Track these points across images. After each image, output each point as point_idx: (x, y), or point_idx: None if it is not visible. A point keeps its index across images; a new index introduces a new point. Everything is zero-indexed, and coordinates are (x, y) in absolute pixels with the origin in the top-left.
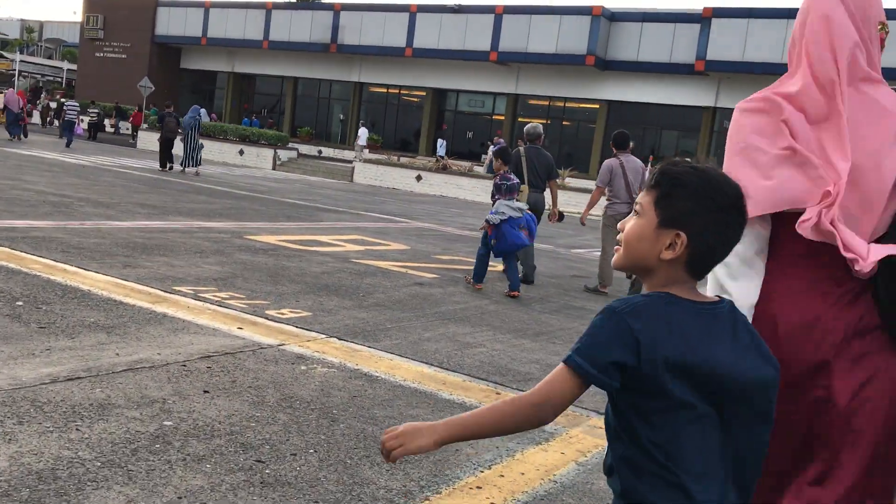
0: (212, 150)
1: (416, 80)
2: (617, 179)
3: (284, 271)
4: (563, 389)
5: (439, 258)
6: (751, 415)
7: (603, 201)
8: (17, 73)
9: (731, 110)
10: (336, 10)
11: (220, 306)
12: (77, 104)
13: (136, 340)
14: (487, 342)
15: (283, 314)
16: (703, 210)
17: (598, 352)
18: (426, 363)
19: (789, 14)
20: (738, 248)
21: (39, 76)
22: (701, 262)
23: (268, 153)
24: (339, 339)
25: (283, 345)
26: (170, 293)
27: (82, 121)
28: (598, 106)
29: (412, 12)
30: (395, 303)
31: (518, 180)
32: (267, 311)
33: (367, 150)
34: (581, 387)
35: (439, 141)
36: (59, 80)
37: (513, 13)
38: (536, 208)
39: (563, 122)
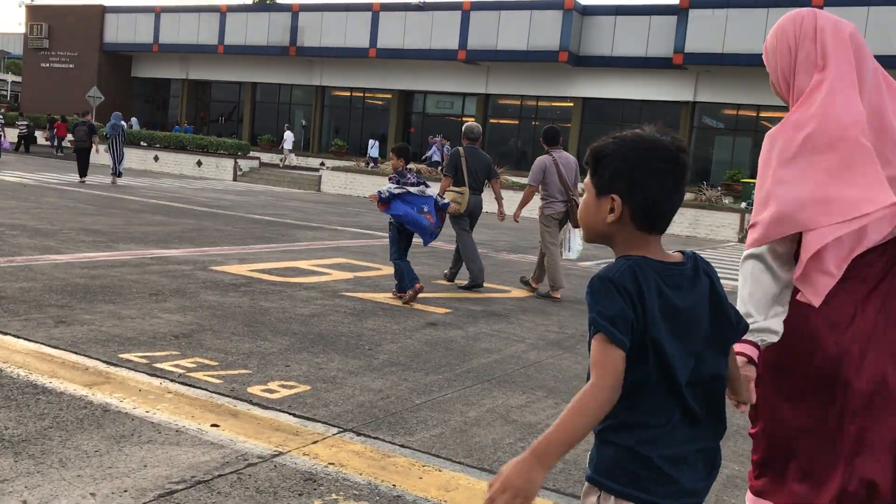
0: (168, 161)
1: (381, 81)
2: (550, 177)
3: (264, 316)
4: (616, 364)
5: (442, 283)
6: None
7: (537, 201)
8: None
9: (711, 104)
10: (294, 10)
11: (185, 384)
12: (0, 116)
13: (58, 467)
14: (552, 419)
15: (272, 392)
16: (627, 170)
17: (619, 319)
18: (490, 472)
19: (768, 3)
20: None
21: None
22: (645, 215)
23: (228, 163)
24: (357, 433)
25: (280, 454)
26: (115, 365)
27: (24, 131)
28: (572, 104)
29: (375, 11)
30: (413, 357)
31: (417, 178)
32: (250, 389)
33: (293, 155)
34: (623, 357)
35: (370, 141)
36: (4, 93)
37: (481, 9)
38: (475, 210)
39: (536, 122)
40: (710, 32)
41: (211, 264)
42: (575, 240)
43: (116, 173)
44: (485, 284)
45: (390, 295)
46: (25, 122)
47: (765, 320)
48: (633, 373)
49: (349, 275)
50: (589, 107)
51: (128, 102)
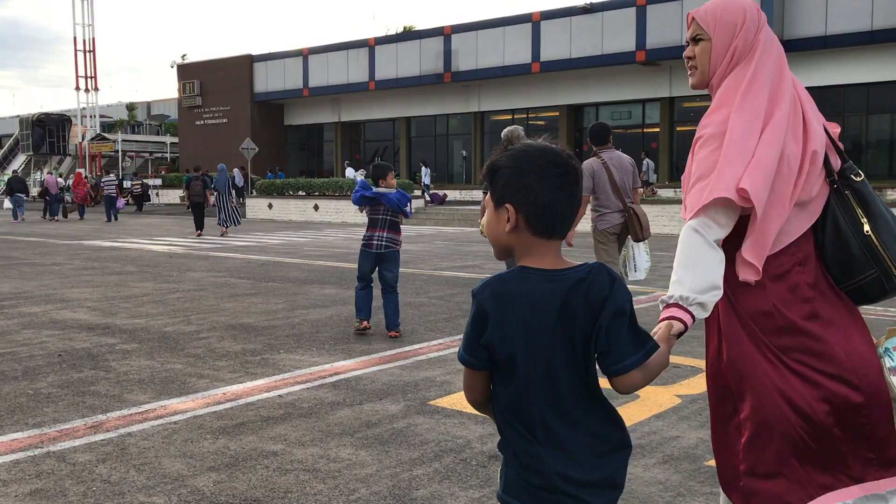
0: (328, 210)
1: (546, 98)
2: (601, 183)
3: None
4: (466, 380)
5: None
6: None
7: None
8: (120, 152)
9: None
10: (446, 33)
11: None
12: (114, 178)
13: None
14: None
15: None
16: (517, 178)
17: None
18: None
19: None
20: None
21: (147, 154)
22: (539, 220)
23: None
24: None
25: None
26: None
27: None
28: None
29: (535, 21)
30: None
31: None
32: None
33: None
34: (474, 373)
35: (423, 169)
36: (165, 155)
37: (659, 1)
38: None
39: None
40: None
41: (429, 392)
42: (641, 256)
43: (226, 224)
44: None
45: None
46: (139, 182)
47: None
48: None
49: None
50: None
51: (282, 151)
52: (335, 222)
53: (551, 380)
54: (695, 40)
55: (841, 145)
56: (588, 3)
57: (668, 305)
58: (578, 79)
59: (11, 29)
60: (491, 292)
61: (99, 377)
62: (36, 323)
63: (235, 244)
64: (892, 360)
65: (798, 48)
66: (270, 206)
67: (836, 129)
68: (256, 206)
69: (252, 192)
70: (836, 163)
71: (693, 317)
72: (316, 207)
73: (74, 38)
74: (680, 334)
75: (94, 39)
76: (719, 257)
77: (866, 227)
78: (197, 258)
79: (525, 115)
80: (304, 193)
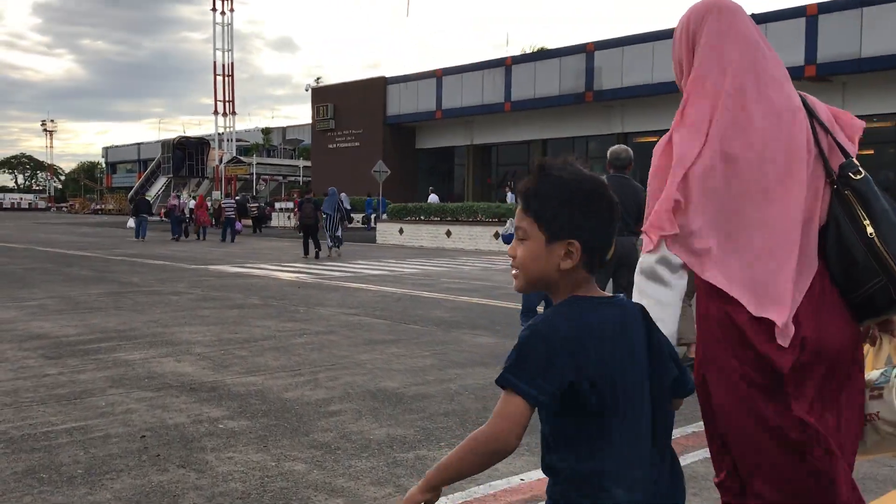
0: (461, 236)
1: None
2: None
3: None
4: (515, 416)
5: None
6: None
7: None
8: (254, 175)
9: None
10: (589, 50)
11: None
12: (234, 202)
13: None
14: None
15: None
16: (574, 213)
17: (541, 374)
18: None
19: None
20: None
21: (281, 177)
22: (596, 257)
23: None
24: None
25: None
26: None
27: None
28: None
29: None
30: None
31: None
32: None
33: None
34: (530, 410)
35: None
36: (298, 178)
37: (833, 10)
38: (627, 258)
39: None
40: None
41: None
42: None
43: (334, 245)
44: None
45: None
46: (256, 205)
47: None
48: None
49: None
50: None
51: (413, 175)
52: (469, 249)
53: (652, 416)
54: None
55: (850, 142)
56: (750, 13)
57: None
58: None
59: (160, 60)
60: (568, 325)
61: (187, 485)
62: (129, 378)
63: (368, 273)
64: None
65: None
66: (401, 230)
67: (849, 121)
68: (387, 231)
69: (383, 216)
70: (838, 161)
71: None
72: (448, 233)
73: (214, 64)
74: None
75: (232, 65)
76: (667, 296)
77: (870, 230)
78: (327, 289)
79: None
80: (437, 219)
